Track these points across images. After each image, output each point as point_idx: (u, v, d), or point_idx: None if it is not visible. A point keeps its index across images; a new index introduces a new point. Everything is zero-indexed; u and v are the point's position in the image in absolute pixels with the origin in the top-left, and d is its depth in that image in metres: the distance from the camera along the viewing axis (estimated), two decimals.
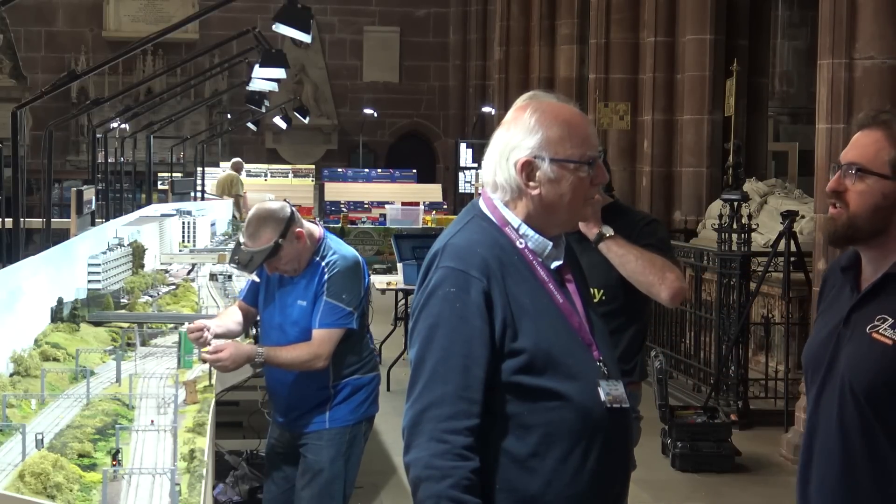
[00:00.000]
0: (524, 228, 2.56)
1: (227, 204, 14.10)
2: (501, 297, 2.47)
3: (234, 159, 18.13)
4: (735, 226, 8.57)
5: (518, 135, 2.54)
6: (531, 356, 2.45)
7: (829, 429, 2.59)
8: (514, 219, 2.57)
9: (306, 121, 17.86)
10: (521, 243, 2.55)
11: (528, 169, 2.53)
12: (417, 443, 2.41)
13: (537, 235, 2.56)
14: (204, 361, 4.41)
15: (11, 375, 4.20)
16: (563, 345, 2.49)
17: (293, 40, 16.95)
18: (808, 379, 2.71)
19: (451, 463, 2.37)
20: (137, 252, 7.11)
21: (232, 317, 4.66)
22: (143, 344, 5.28)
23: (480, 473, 2.42)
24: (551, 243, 2.58)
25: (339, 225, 17.61)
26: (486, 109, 19.80)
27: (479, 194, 2.66)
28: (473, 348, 2.43)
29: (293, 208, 4.48)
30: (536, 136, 2.53)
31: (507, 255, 2.52)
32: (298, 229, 4.39)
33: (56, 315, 5.12)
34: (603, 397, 2.50)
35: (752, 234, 8.70)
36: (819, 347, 2.67)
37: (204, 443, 3.60)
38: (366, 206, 17.90)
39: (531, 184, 2.54)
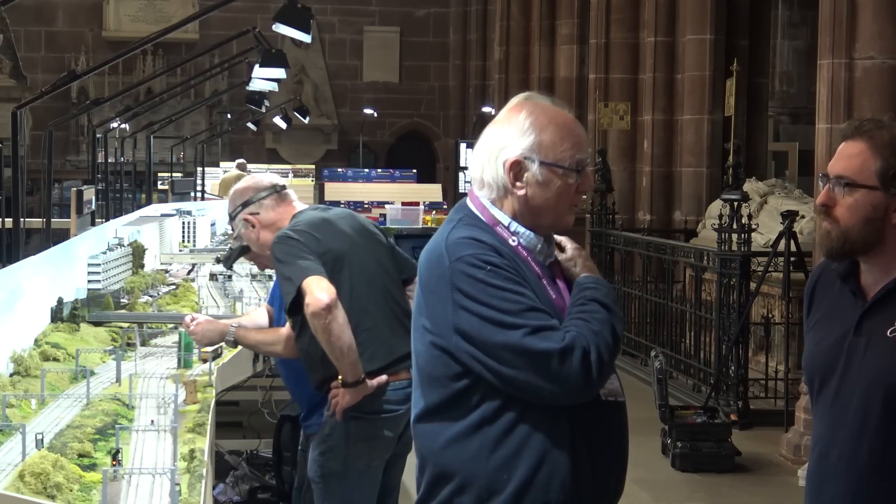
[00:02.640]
0: (515, 226, 2.55)
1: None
2: None
3: (239, 160, 18.10)
4: (735, 226, 8.56)
5: (511, 135, 2.54)
6: None
7: (848, 437, 2.54)
8: (503, 217, 2.55)
9: (306, 121, 17.85)
10: (514, 241, 2.54)
11: (516, 169, 2.53)
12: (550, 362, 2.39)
13: (529, 232, 2.56)
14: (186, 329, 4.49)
15: (11, 375, 4.20)
16: None
17: (293, 40, 16.93)
18: (815, 388, 2.64)
19: (573, 332, 2.43)
20: (137, 252, 7.10)
21: (254, 319, 4.61)
22: (143, 344, 5.27)
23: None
24: (543, 238, 2.58)
25: None
26: (486, 109, 19.77)
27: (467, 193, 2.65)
28: (527, 297, 2.44)
29: None
30: (530, 138, 2.52)
31: (505, 250, 2.51)
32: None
33: (56, 315, 5.11)
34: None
35: (752, 234, 8.69)
36: (825, 356, 2.61)
37: (204, 443, 3.59)
38: (366, 206, 17.88)
39: (518, 184, 2.53)
